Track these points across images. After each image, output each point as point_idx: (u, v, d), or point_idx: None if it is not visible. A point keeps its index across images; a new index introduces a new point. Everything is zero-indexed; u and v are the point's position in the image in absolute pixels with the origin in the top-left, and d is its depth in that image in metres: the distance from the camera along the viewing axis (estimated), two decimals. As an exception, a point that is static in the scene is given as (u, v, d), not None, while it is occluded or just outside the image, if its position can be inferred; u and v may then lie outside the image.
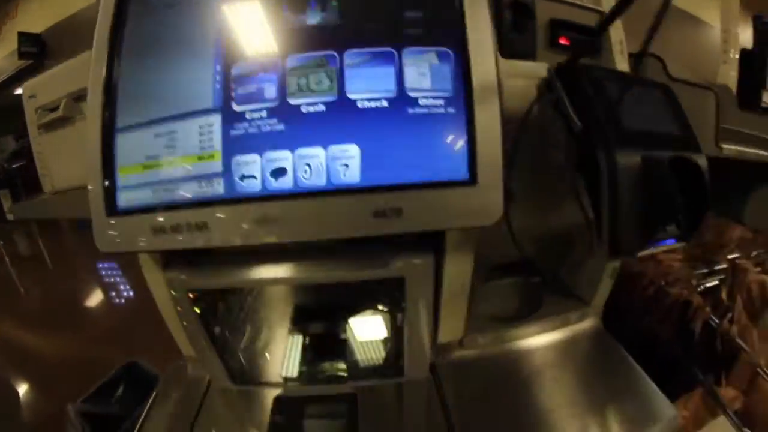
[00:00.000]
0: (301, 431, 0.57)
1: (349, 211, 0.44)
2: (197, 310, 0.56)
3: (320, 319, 0.70)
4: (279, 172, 0.44)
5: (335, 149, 0.44)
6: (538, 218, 0.66)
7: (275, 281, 0.57)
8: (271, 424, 0.58)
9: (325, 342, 0.70)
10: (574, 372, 0.66)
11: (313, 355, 0.69)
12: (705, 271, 0.98)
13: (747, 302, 0.92)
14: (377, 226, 0.44)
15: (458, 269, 0.56)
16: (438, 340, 0.66)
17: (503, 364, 0.68)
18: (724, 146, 0.84)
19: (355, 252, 0.52)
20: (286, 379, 0.66)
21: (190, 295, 0.54)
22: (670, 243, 0.56)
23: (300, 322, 0.70)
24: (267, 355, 0.71)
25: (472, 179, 0.43)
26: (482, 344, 0.69)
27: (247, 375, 0.67)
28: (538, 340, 0.71)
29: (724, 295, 0.91)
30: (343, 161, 0.44)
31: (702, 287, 0.95)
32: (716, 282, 0.97)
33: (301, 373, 0.67)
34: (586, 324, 0.75)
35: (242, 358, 0.66)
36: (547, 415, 0.58)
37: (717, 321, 0.87)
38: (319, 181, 0.44)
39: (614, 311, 1.17)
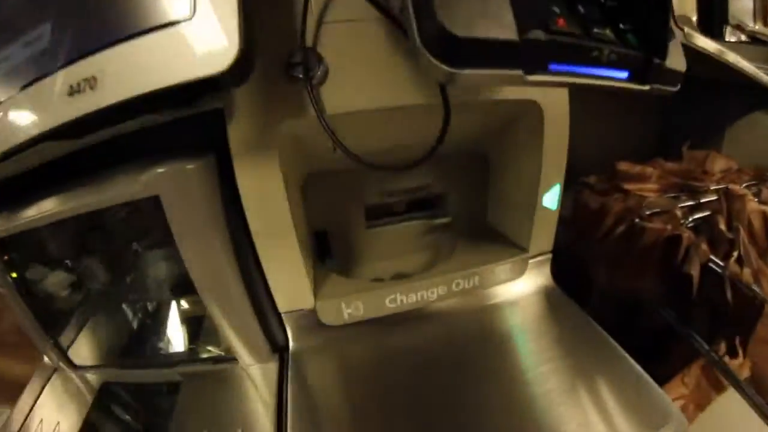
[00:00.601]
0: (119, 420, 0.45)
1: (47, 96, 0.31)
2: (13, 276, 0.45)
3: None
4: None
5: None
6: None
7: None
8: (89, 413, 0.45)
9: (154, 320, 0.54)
10: (502, 352, 0.45)
11: (141, 334, 0.53)
12: (690, 203, 0.73)
13: (750, 238, 0.68)
14: (73, 108, 0.31)
15: (260, 183, 0.38)
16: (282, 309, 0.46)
17: (395, 344, 0.47)
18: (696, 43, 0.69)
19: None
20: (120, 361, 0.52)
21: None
22: (615, 75, 0.31)
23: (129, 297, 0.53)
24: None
25: (188, 13, 0.28)
26: (361, 314, 0.47)
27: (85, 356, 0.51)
28: (449, 305, 0.51)
29: (723, 226, 0.66)
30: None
31: (690, 221, 0.70)
32: (708, 213, 0.72)
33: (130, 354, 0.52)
34: (526, 280, 0.54)
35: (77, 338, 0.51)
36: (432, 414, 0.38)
37: (721, 263, 0.62)
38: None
39: (575, 267, 0.94)
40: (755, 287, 0.59)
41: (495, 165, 0.56)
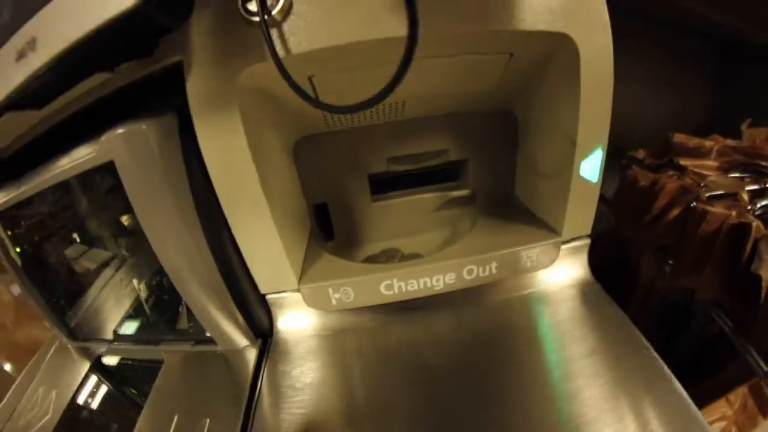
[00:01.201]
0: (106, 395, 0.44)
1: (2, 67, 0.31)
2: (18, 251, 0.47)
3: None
4: None
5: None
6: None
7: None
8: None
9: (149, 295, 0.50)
10: (520, 360, 0.37)
11: (134, 310, 0.51)
12: (756, 187, 0.58)
13: None
14: (19, 73, 0.30)
15: (223, 144, 0.33)
16: (263, 290, 0.42)
17: (391, 340, 0.41)
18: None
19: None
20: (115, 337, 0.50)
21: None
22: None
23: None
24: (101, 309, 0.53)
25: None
26: (352, 301, 0.41)
27: (83, 331, 0.51)
28: (461, 296, 0.43)
29: None
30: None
31: (759, 208, 0.55)
32: None
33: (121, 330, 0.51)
34: (556, 270, 0.45)
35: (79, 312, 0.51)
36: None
37: None
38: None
39: (618, 256, 0.80)
40: None
41: (524, 126, 0.47)
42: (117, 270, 0.51)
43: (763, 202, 0.58)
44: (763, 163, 0.66)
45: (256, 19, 0.29)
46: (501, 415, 0.33)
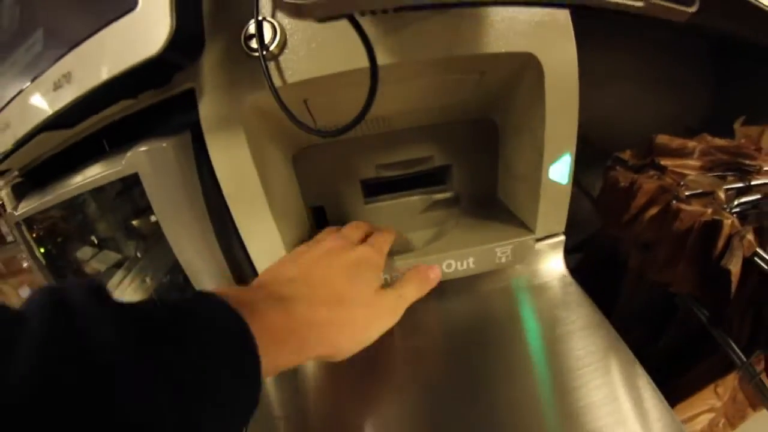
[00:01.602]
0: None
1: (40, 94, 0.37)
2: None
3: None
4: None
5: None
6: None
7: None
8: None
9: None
10: (493, 348, 0.42)
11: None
12: (739, 185, 0.62)
13: None
14: (57, 101, 0.36)
15: (230, 158, 0.39)
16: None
17: None
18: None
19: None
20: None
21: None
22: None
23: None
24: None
25: (133, 5, 0.31)
26: None
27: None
28: (443, 288, 0.47)
29: None
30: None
31: (736, 206, 0.59)
32: (758, 197, 0.60)
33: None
34: (532, 266, 0.50)
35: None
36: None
37: (766, 256, 0.52)
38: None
39: (608, 254, 0.84)
40: None
41: (503, 132, 0.52)
42: (129, 271, 0.58)
43: (744, 199, 0.61)
44: (747, 162, 0.69)
45: (256, 54, 0.35)
46: (480, 391, 0.38)
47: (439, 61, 0.37)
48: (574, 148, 0.45)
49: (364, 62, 0.34)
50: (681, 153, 0.70)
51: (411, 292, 0.39)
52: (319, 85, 0.37)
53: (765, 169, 0.66)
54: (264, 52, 0.35)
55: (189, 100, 0.39)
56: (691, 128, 0.80)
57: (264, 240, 0.43)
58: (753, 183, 0.63)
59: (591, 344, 0.41)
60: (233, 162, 0.39)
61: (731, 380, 0.64)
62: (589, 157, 0.78)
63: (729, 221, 0.54)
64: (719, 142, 0.72)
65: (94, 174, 0.43)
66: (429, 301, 0.46)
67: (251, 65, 0.36)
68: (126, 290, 0.56)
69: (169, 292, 0.54)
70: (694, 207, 0.57)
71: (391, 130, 0.50)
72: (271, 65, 0.36)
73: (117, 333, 0.19)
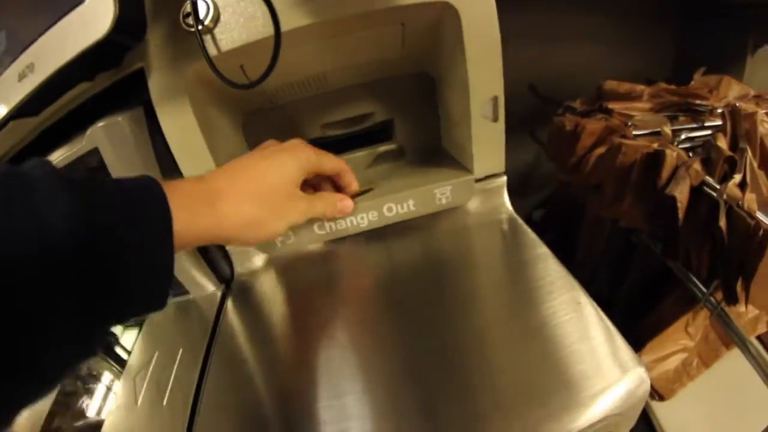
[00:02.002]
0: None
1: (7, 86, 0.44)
2: None
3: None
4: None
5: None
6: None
7: None
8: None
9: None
10: (440, 284, 0.49)
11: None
12: (692, 126, 0.67)
13: (762, 163, 0.61)
14: (22, 90, 0.43)
15: (179, 126, 0.47)
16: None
17: (332, 271, 0.55)
18: None
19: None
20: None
21: None
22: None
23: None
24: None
25: (81, -1, 0.39)
26: (293, 242, 0.55)
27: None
28: (394, 231, 0.56)
29: (722, 143, 0.59)
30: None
31: (684, 139, 0.64)
32: (707, 133, 0.65)
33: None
34: (476, 206, 0.58)
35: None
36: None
37: (716, 185, 0.56)
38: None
39: (560, 205, 0.90)
40: (761, 215, 0.52)
41: (438, 84, 0.59)
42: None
43: (687, 135, 0.67)
44: (699, 102, 0.73)
45: (194, 29, 0.43)
46: (438, 319, 0.43)
47: (358, 17, 0.44)
48: (501, 91, 0.52)
49: (285, 26, 0.41)
50: (629, 97, 0.77)
51: (320, 207, 0.47)
52: (250, 51, 0.44)
53: (718, 110, 0.70)
54: (200, 27, 0.42)
55: (140, 78, 0.47)
56: (651, 80, 0.86)
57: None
58: (706, 124, 0.68)
59: (536, 273, 0.46)
60: (181, 129, 0.47)
61: (702, 320, 0.69)
62: (551, 113, 0.85)
63: (673, 152, 0.60)
64: (672, 87, 0.78)
65: (60, 155, 0.50)
66: (389, 242, 0.55)
67: (191, 39, 0.43)
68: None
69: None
70: (639, 142, 0.63)
71: (332, 90, 0.57)
72: (208, 38, 0.44)
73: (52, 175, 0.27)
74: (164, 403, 0.44)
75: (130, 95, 0.51)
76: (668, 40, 1.15)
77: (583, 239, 0.88)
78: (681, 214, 0.59)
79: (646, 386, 0.35)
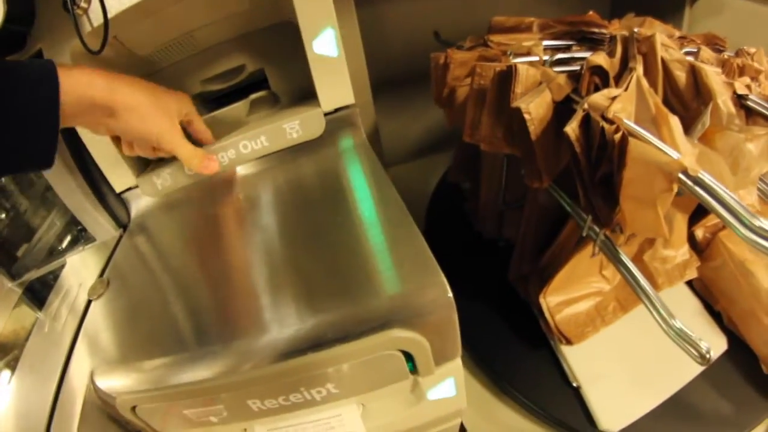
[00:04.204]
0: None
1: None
2: None
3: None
4: None
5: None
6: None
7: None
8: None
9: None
10: (288, 208, 0.76)
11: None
12: (582, 55, 0.82)
13: (674, 94, 0.77)
14: None
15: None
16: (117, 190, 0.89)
17: (210, 207, 0.86)
18: None
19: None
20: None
21: None
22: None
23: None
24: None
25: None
26: (171, 184, 0.88)
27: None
28: (258, 168, 0.88)
29: (599, 59, 0.72)
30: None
31: (557, 59, 0.80)
32: (585, 54, 0.80)
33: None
34: (329, 138, 0.86)
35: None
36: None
37: (578, 97, 0.71)
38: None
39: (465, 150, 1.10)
40: (632, 124, 0.58)
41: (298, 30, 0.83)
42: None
43: (559, 56, 0.82)
44: (595, 30, 0.89)
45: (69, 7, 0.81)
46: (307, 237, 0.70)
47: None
48: (335, 24, 0.74)
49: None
50: (517, 29, 0.96)
51: (190, 148, 0.75)
52: (117, 24, 0.78)
53: (618, 37, 0.82)
54: (75, 9, 0.81)
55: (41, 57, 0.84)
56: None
57: (111, 156, 0.82)
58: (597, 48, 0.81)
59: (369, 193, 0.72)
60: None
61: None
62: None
63: (531, 68, 0.73)
64: (563, 18, 0.94)
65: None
66: (258, 176, 0.85)
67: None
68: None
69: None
70: (495, 64, 0.77)
71: (205, 48, 0.86)
72: (84, 17, 0.82)
73: None
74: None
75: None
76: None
77: (484, 180, 1.08)
78: (533, 128, 0.70)
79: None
